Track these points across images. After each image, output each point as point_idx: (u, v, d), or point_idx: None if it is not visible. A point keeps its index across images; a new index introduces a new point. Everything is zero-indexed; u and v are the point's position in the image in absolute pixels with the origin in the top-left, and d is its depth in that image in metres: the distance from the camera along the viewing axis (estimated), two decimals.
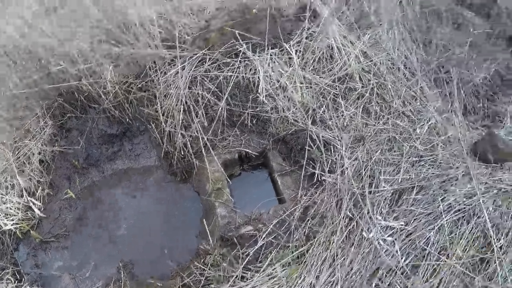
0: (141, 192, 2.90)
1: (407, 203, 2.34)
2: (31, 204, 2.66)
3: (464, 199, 2.38)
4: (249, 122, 2.77)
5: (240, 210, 2.55)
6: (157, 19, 2.94)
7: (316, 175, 2.52)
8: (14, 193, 2.67)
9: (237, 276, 2.12)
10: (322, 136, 2.60)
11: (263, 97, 2.72)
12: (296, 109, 2.67)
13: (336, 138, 2.59)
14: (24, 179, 2.72)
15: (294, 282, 1.96)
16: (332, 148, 2.58)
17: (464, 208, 2.29)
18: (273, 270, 2.08)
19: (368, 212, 2.20)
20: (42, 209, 2.75)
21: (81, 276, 2.56)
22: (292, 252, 2.16)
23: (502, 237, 2.22)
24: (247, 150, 2.75)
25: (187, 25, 3.02)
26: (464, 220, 2.27)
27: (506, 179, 2.58)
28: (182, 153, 2.76)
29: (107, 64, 2.84)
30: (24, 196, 2.64)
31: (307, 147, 2.56)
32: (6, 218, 2.59)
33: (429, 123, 2.75)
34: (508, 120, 3.10)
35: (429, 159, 2.57)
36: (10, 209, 2.61)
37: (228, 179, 2.66)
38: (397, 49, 3.06)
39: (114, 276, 2.49)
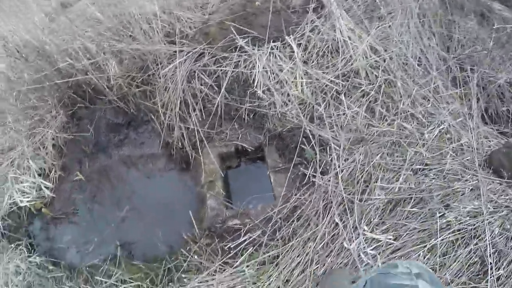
0: (145, 177, 3.04)
1: (401, 215, 2.16)
2: (42, 185, 2.91)
3: (467, 218, 2.12)
4: (246, 116, 2.73)
5: (231, 203, 2.57)
6: (160, 14, 2.98)
7: (307, 175, 2.43)
8: (30, 173, 2.94)
9: (214, 269, 2.15)
10: (319, 136, 2.49)
11: (260, 92, 2.66)
12: (293, 105, 2.58)
13: (334, 138, 2.47)
14: (39, 162, 2.98)
15: (261, 284, 1.94)
16: (328, 148, 2.47)
17: (466, 228, 2.05)
18: (246, 267, 2.08)
19: (354, 221, 2.09)
20: (54, 189, 2.99)
21: (85, 250, 2.79)
22: (267, 252, 2.13)
23: (503, 266, 1.96)
24: (243, 144, 2.73)
25: (190, 20, 3.03)
26: (462, 241, 2.03)
27: None
28: (181, 144, 2.82)
29: (111, 59, 2.96)
30: (36, 177, 2.89)
31: (299, 146, 2.48)
32: (23, 195, 2.87)
33: (441, 127, 2.50)
34: None
35: (435, 168, 2.34)
36: (26, 188, 2.88)
37: (221, 172, 2.67)
38: (411, 44, 2.81)
39: (112, 254, 2.67)
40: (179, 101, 2.77)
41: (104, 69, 3.02)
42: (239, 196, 2.67)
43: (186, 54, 2.88)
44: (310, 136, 2.46)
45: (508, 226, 2.16)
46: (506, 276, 1.93)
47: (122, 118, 3.12)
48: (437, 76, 2.71)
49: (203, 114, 2.80)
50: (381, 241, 2.03)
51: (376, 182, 2.28)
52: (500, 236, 2.08)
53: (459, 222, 2.08)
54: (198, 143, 2.71)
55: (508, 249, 2.06)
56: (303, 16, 2.97)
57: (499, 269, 1.93)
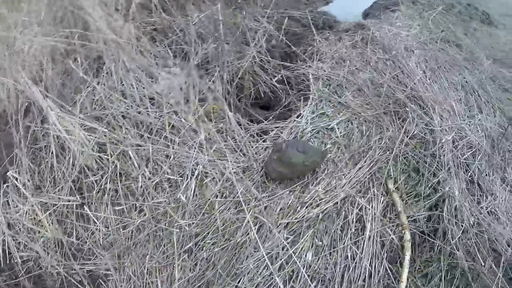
0: None
1: None
2: None
3: (264, 271, 1.73)
4: None
5: None
6: None
7: None
8: None
9: None
10: (87, 271, 2.01)
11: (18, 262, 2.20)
12: (51, 256, 2.10)
13: (101, 266, 1.98)
14: None
15: None
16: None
17: (268, 284, 1.68)
18: None
19: None
20: None
21: None
22: None
23: None
24: None
25: None
26: None
27: (320, 194, 1.80)
28: None
29: None
30: None
31: None
32: None
33: (196, 174, 1.96)
34: (312, 85, 2.15)
35: (208, 231, 1.85)
36: None
37: None
38: (136, 88, 2.21)
39: None
40: None
41: None
42: None
43: None
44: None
45: (320, 242, 1.75)
46: None
47: None
48: (174, 108, 2.11)
49: None
50: None
51: None
52: (318, 260, 1.72)
53: (255, 286, 1.68)
54: None
55: (331, 271, 1.70)
56: (24, 124, 2.43)
57: None
